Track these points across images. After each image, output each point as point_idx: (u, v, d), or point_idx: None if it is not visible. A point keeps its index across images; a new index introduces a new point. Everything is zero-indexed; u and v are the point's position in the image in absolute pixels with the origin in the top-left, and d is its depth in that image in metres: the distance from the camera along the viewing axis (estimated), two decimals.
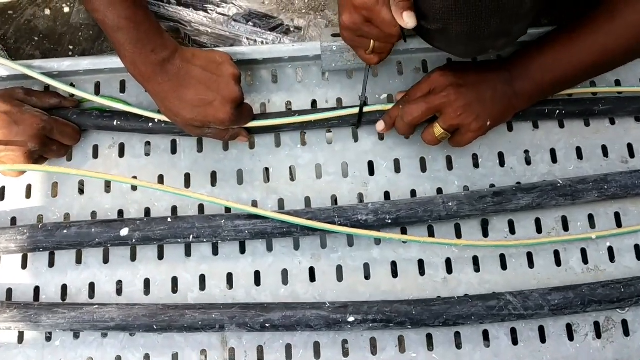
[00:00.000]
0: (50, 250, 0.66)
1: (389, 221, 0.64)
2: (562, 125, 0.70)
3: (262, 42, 0.98)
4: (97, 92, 0.73)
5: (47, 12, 1.06)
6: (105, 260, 0.67)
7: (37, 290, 0.66)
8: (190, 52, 0.60)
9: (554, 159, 0.69)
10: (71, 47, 1.04)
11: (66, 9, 1.05)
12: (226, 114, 0.60)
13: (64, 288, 0.66)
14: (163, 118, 0.67)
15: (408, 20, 0.53)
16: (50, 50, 1.04)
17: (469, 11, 0.52)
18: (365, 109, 0.67)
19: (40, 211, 0.69)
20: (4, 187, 0.70)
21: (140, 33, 0.56)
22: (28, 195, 0.69)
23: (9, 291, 0.66)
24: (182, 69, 0.59)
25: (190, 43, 0.98)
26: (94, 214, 0.69)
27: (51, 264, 0.67)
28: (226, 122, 0.61)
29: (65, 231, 0.64)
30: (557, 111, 0.67)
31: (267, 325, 0.61)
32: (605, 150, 0.69)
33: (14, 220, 0.69)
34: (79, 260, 0.67)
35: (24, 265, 0.67)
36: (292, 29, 0.99)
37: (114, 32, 0.56)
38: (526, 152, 0.69)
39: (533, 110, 0.67)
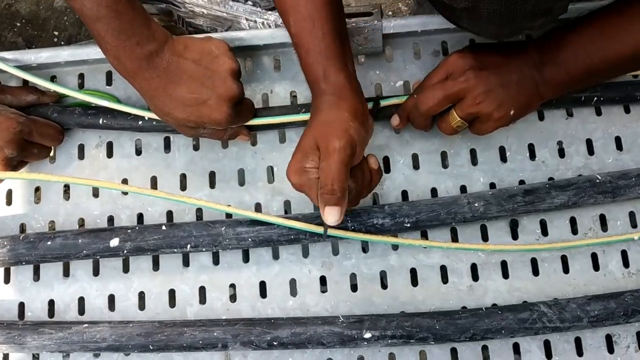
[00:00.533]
0: (33, 263, 0.60)
1: (408, 225, 0.57)
2: (599, 113, 0.62)
3: (263, 23, 0.90)
4: (80, 85, 0.66)
5: None
6: (96, 272, 0.61)
7: (21, 306, 0.61)
8: (182, 44, 0.53)
9: (591, 151, 0.62)
10: (56, 33, 0.97)
11: None
12: (222, 114, 0.53)
13: (51, 303, 0.61)
14: (154, 116, 0.60)
15: (330, 218, 0.48)
16: (34, 37, 0.97)
17: None
18: (381, 103, 0.59)
19: (23, 219, 0.63)
20: None
21: (124, 23, 0.49)
22: (9, 202, 0.63)
23: None
24: (172, 63, 0.52)
25: (184, 26, 0.90)
26: (81, 221, 0.62)
27: (36, 277, 0.61)
28: (223, 122, 0.54)
29: (49, 242, 0.58)
30: (595, 98, 0.60)
31: (275, 343, 0.55)
32: None
33: None
34: (66, 273, 0.61)
35: (7, 279, 0.61)
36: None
37: (93, 22, 0.49)
38: (559, 143, 0.62)
39: (568, 96, 0.60)
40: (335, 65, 0.51)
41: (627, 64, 0.55)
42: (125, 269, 0.61)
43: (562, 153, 0.62)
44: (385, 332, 0.55)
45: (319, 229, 0.56)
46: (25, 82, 0.65)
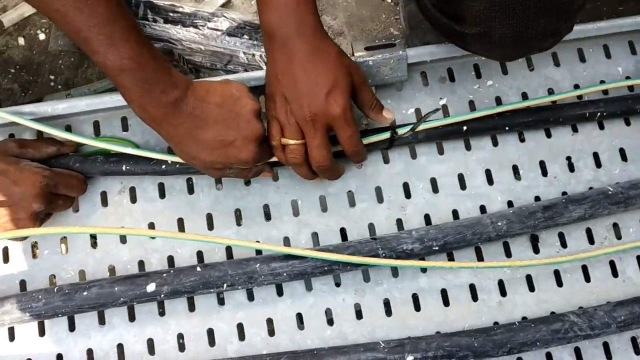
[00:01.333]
0: (70, 314, 0.60)
1: (436, 248, 0.60)
2: (602, 127, 0.66)
3: (261, 56, 0.92)
4: (96, 132, 0.66)
5: (21, 40, 0.98)
6: (132, 317, 0.61)
7: (59, 358, 0.60)
8: (204, 88, 0.54)
9: (598, 164, 0.65)
10: (52, 77, 0.97)
11: (42, 36, 0.97)
12: (249, 152, 0.55)
13: (90, 353, 0.60)
14: (177, 159, 0.61)
15: (389, 115, 0.59)
16: (30, 82, 0.97)
17: (515, 11, 0.48)
18: (398, 132, 0.62)
19: (52, 270, 0.62)
20: (6, 248, 0.63)
21: (147, 73, 0.50)
22: (35, 254, 0.63)
23: None
24: (197, 107, 0.53)
25: (184, 63, 0.91)
26: (111, 268, 0.63)
27: (72, 327, 0.61)
28: (250, 161, 0.56)
29: (85, 293, 0.58)
30: (599, 113, 0.64)
31: None
32: None
33: (23, 284, 0.62)
34: (102, 321, 0.61)
35: (42, 332, 0.61)
36: None
37: (117, 75, 0.50)
38: (568, 158, 0.65)
39: (573, 113, 0.63)
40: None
41: None
42: (161, 312, 0.62)
43: (571, 168, 0.65)
44: (426, 353, 0.57)
45: (353, 259, 0.57)
46: (40, 133, 0.65)
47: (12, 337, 0.61)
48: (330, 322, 0.61)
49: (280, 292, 0.62)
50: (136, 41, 0.49)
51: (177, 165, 0.62)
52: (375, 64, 0.61)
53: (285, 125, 0.55)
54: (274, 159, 0.61)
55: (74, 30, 0.47)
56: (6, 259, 0.63)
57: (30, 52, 0.97)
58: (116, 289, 0.58)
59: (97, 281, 0.59)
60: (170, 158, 0.62)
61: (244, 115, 0.54)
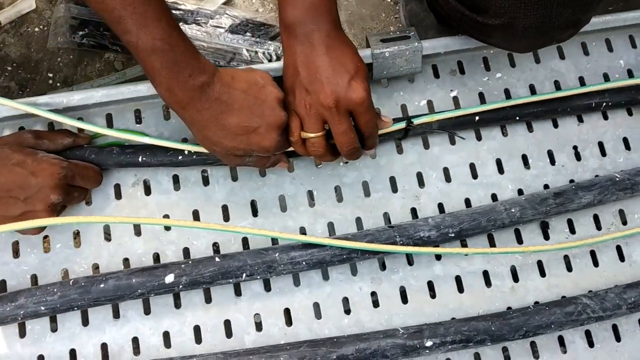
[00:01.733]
0: (86, 307, 0.59)
1: (452, 235, 0.61)
2: (605, 117, 0.68)
3: (264, 53, 0.92)
4: (109, 124, 0.66)
5: (18, 37, 0.96)
6: (147, 310, 0.61)
7: (72, 353, 0.59)
8: (229, 75, 0.55)
9: (603, 152, 0.67)
10: (51, 75, 0.96)
11: (39, 32, 0.96)
12: (272, 141, 0.55)
13: (104, 347, 0.60)
14: (194, 149, 0.61)
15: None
16: (27, 80, 0.95)
17: (540, 2, 0.49)
18: (414, 122, 0.63)
19: (64, 265, 0.62)
20: (17, 242, 0.62)
21: (177, 55, 0.50)
22: (47, 248, 0.62)
23: (41, 359, 0.59)
24: (223, 93, 0.53)
25: None
26: (126, 261, 0.62)
27: (85, 322, 0.60)
28: (271, 149, 0.56)
29: (102, 285, 0.58)
30: (604, 103, 0.66)
31: None
32: None
33: (34, 279, 0.61)
34: (116, 315, 0.61)
35: (54, 327, 0.60)
36: None
37: (147, 55, 0.50)
38: (574, 147, 0.67)
39: (579, 104, 0.65)
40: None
41: None
42: (177, 304, 0.61)
43: (578, 156, 0.67)
44: (445, 338, 0.58)
45: (371, 247, 0.58)
46: (51, 126, 0.64)
47: (22, 333, 0.60)
48: (347, 311, 0.62)
49: (297, 282, 0.62)
50: (168, 22, 0.49)
51: (194, 156, 0.62)
52: (392, 56, 0.62)
53: (305, 118, 0.55)
54: (291, 149, 0.62)
55: (108, 8, 0.47)
56: (16, 254, 0.62)
57: (27, 50, 0.96)
58: (134, 280, 0.58)
59: (114, 273, 0.59)
60: (187, 147, 0.62)
61: (268, 102, 0.55)
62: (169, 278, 0.58)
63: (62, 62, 0.95)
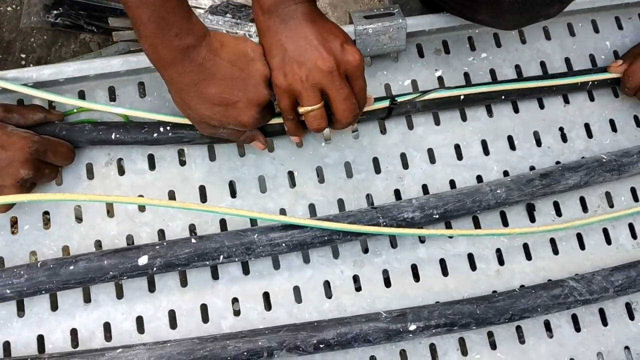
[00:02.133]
0: (54, 291, 0.56)
1: (437, 216, 0.59)
2: (592, 99, 0.67)
3: (244, 35, 0.90)
4: None
5: None
6: (119, 294, 0.58)
7: (40, 339, 0.57)
8: (219, 41, 0.52)
9: (589, 134, 0.66)
10: (23, 56, 0.92)
11: (12, 12, 0.93)
12: (250, 117, 0.54)
13: (74, 333, 0.57)
14: (171, 119, 0.59)
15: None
16: None
17: None
18: (397, 100, 0.61)
19: (32, 247, 0.59)
20: None
21: (166, 12, 0.48)
22: (14, 230, 0.59)
23: (6, 345, 0.56)
24: (208, 60, 0.51)
25: None
26: (98, 243, 0.59)
27: (54, 306, 0.57)
28: (248, 125, 0.54)
29: (71, 267, 0.55)
30: (590, 82, 0.65)
31: (322, 345, 0.55)
32: (637, 121, 0.67)
33: (0, 261, 0.58)
34: (87, 299, 0.58)
35: (21, 313, 0.57)
36: None
37: (137, 6, 0.48)
38: (561, 129, 0.66)
39: (565, 83, 0.64)
40: None
41: None
42: (152, 288, 0.59)
43: (564, 138, 0.66)
44: (429, 322, 0.56)
45: (354, 228, 0.56)
46: (21, 102, 0.61)
47: None
48: (328, 294, 0.60)
49: (277, 265, 0.60)
50: None
51: (170, 134, 0.60)
52: (375, 33, 0.60)
53: (302, 93, 0.53)
54: (274, 125, 0.60)
55: None
56: None
57: None
58: (105, 262, 0.55)
59: (85, 255, 0.56)
60: (162, 117, 0.59)
61: (253, 77, 0.53)
62: (143, 260, 0.56)
63: (35, 42, 0.92)
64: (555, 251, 0.62)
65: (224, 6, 0.90)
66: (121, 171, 0.62)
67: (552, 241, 0.63)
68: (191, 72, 0.50)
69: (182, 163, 0.62)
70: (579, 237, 0.63)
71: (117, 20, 0.84)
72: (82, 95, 0.63)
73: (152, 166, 0.62)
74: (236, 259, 0.57)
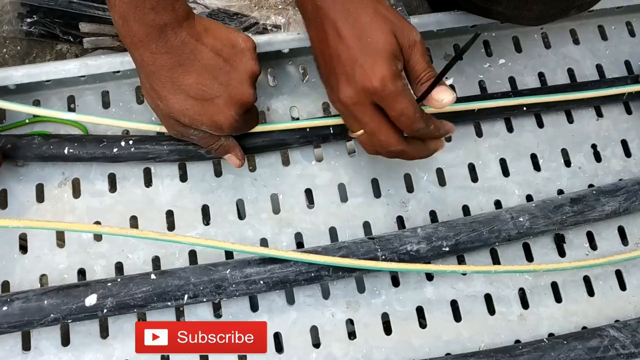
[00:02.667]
0: None
1: (447, 249, 0.49)
2: (629, 112, 0.58)
3: None
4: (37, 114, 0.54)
5: None
6: (65, 341, 0.49)
7: None
8: (203, 26, 0.45)
9: (627, 153, 0.57)
10: None
11: None
12: (228, 117, 0.46)
13: None
14: (136, 127, 0.51)
15: (444, 97, 0.44)
16: None
17: None
18: None
19: None
20: None
21: None
22: None
23: None
24: (188, 44, 0.43)
25: None
26: (44, 278, 0.50)
27: None
28: (224, 128, 0.46)
29: (5, 308, 0.46)
30: (625, 94, 0.55)
31: None
32: None
33: None
34: (26, 346, 0.49)
35: None
36: (269, 28, 0.84)
37: None
38: (593, 146, 0.57)
39: (597, 96, 0.55)
40: None
41: None
42: (104, 333, 0.49)
43: (598, 157, 0.57)
44: None
45: (345, 262, 0.46)
46: None
47: None
48: (316, 343, 0.50)
49: (254, 306, 0.50)
50: None
51: (133, 148, 0.51)
52: None
53: (342, 116, 0.48)
54: (255, 130, 0.51)
55: None
56: None
57: None
58: (46, 302, 0.46)
59: (22, 293, 0.47)
60: (129, 125, 0.51)
61: (239, 72, 0.45)
62: (91, 299, 0.46)
63: (7, 53, 0.85)
64: (591, 292, 0.53)
65: (214, 15, 0.83)
66: (76, 193, 0.53)
67: (587, 280, 0.53)
68: (166, 54, 0.43)
69: (148, 183, 0.53)
70: (619, 274, 0.53)
71: (88, 25, 0.76)
72: (36, 105, 0.55)
73: (112, 187, 0.53)
74: (204, 299, 0.48)
